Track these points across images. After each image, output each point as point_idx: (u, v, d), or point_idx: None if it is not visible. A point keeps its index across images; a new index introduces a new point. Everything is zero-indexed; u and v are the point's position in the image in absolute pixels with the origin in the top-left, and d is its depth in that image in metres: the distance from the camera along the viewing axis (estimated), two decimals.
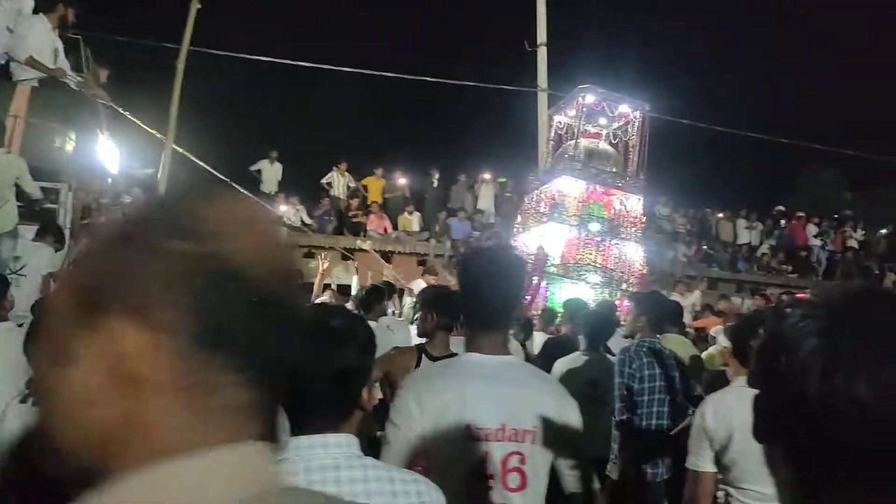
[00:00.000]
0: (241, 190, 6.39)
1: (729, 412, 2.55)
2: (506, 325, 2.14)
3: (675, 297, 9.64)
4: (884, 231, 19.89)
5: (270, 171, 15.66)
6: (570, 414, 2.08)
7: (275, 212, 13.38)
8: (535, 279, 9.47)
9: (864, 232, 19.39)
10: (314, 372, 1.43)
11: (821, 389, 0.80)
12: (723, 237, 18.72)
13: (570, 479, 2.11)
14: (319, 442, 1.44)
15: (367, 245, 12.07)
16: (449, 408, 1.93)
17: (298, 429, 1.45)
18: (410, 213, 16.12)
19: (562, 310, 6.86)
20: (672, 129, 15.73)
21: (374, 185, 16.44)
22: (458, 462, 1.91)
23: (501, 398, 1.96)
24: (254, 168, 15.60)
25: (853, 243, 18.76)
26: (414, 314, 6.00)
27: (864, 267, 17.98)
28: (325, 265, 7.15)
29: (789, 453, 0.88)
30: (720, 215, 19.23)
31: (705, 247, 18.14)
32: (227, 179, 9.75)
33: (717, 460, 2.60)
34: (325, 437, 1.45)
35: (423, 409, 1.93)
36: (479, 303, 2.07)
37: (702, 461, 2.63)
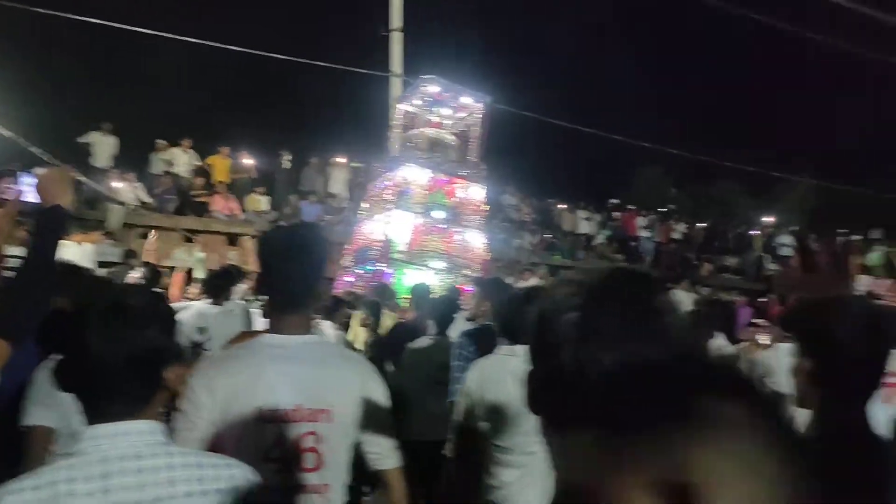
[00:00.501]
0: (57, 163, 5.91)
1: (483, 375, 2.80)
2: (306, 304, 2.09)
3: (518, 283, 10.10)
4: (702, 225, 21.91)
5: (103, 144, 14.51)
6: (374, 393, 2.10)
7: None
8: (380, 265, 9.55)
9: (686, 225, 21.25)
10: (109, 354, 1.37)
11: (575, 360, 0.87)
12: (564, 227, 19.79)
13: (373, 458, 2.16)
14: (120, 430, 1.37)
15: (250, 230, 11.55)
16: (241, 390, 1.89)
17: (95, 417, 1.38)
18: (259, 195, 15.63)
19: (408, 295, 6.98)
20: (519, 123, 16.42)
21: (220, 165, 15.76)
22: (248, 445, 1.88)
23: (299, 378, 1.95)
24: (82, 140, 14.38)
25: (676, 235, 20.50)
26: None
27: (684, 257, 19.72)
28: (153, 242, 6.80)
29: (554, 424, 0.92)
30: (562, 206, 20.32)
31: (548, 236, 19.11)
32: (38, 151, 8.92)
33: (484, 419, 2.81)
34: (125, 425, 1.38)
35: (214, 394, 1.88)
36: (277, 282, 2.04)
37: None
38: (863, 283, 17.76)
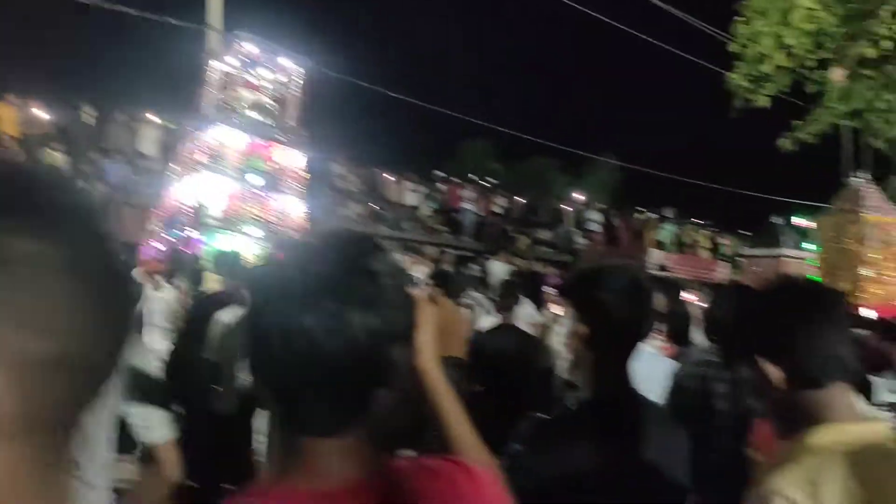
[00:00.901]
0: None
1: None
2: None
3: None
4: (521, 199, 23.02)
5: None
6: (141, 362, 2.08)
7: None
8: (191, 231, 8.97)
9: (506, 199, 22.19)
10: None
11: (279, 324, 0.83)
12: (391, 198, 19.86)
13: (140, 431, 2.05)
14: None
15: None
16: None
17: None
18: (55, 152, 14.02)
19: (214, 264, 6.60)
20: (347, 90, 16.11)
21: (6, 114, 13.93)
22: None
23: None
24: None
25: (497, 209, 21.36)
26: None
27: (504, 230, 20.62)
28: None
29: (269, 393, 0.89)
30: (389, 177, 20.36)
31: (374, 206, 19.09)
32: None
33: None
34: None
35: None
36: None
37: None
38: (655, 257, 19.71)
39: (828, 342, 1.31)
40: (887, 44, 4.90)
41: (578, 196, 26.14)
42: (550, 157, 33.53)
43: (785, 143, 6.27)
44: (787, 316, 1.35)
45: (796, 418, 1.33)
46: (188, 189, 9.95)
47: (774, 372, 1.33)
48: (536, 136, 23.82)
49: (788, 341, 1.32)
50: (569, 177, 34.26)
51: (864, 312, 10.69)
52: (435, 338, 1.22)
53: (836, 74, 5.28)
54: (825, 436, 1.27)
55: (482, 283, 11.55)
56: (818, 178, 16.87)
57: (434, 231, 19.55)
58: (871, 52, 4.97)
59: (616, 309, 1.70)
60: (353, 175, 19.30)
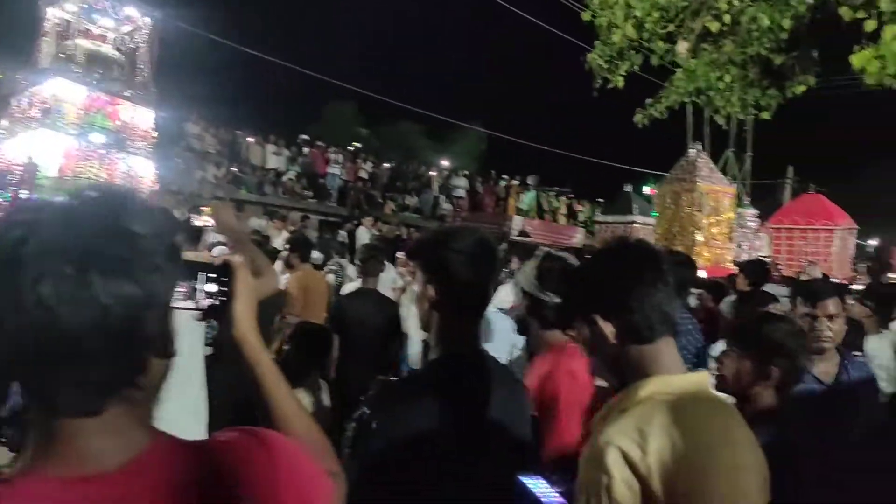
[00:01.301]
0: None
1: None
2: None
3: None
4: (387, 165, 22.92)
5: None
6: None
7: None
8: (23, 192, 8.16)
9: (372, 164, 22.00)
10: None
11: (11, 295, 0.74)
12: (252, 161, 19.09)
13: None
14: None
15: None
16: None
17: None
18: None
19: None
20: (206, 47, 15.20)
21: None
22: None
23: None
24: None
25: (363, 174, 21.13)
26: None
27: (370, 195, 20.48)
28: None
29: (13, 372, 0.81)
30: (251, 139, 19.54)
31: (235, 169, 18.28)
32: None
33: None
34: None
35: None
36: None
37: None
38: (517, 222, 20.38)
39: (656, 300, 1.38)
40: (728, 18, 5.24)
41: (444, 162, 26.44)
42: (417, 123, 33.59)
43: (639, 118, 6.63)
44: (619, 275, 1.41)
45: (627, 372, 1.40)
46: (20, 146, 9.01)
47: (608, 328, 1.40)
48: (403, 102, 23.78)
49: (621, 299, 1.38)
50: (435, 143, 34.49)
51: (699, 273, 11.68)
52: (252, 307, 1.16)
53: (681, 48, 5.60)
54: (652, 387, 1.35)
55: (349, 248, 11.44)
56: (668, 148, 18.09)
57: (298, 196, 19.06)
58: (713, 26, 5.30)
59: (462, 270, 1.70)
60: (210, 136, 18.34)
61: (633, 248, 1.49)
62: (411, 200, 21.92)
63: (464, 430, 1.61)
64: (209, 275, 1.14)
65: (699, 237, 16.10)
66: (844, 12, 4.49)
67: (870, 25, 4.22)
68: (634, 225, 20.05)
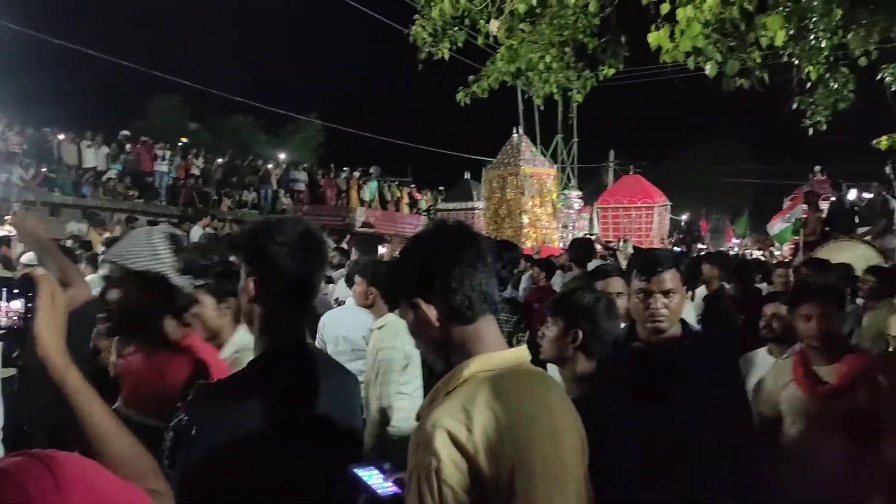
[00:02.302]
0: None
1: None
2: None
3: None
4: (221, 160, 21.89)
5: None
6: None
7: None
8: None
9: (204, 160, 20.90)
10: None
11: None
12: (66, 160, 17.48)
13: None
14: None
15: None
16: None
17: None
18: None
19: None
20: (8, 38, 13.64)
21: None
22: None
23: None
24: None
25: (195, 170, 20.02)
26: None
27: (204, 193, 19.46)
28: None
29: None
30: (63, 136, 17.87)
31: (45, 170, 16.65)
32: None
33: None
34: None
35: None
36: None
37: None
38: (360, 214, 20.31)
39: (476, 280, 1.39)
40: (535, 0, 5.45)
41: (282, 156, 25.72)
42: (251, 116, 32.36)
43: (461, 96, 6.68)
44: (438, 258, 1.41)
45: (452, 353, 1.41)
46: None
47: (431, 311, 1.39)
48: (234, 94, 22.79)
49: (442, 281, 1.38)
50: (271, 136, 33.42)
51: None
52: (56, 323, 1.09)
53: (493, 26, 5.76)
54: (475, 365, 1.36)
55: None
56: (505, 136, 18.62)
57: (122, 196, 17.71)
58: (521, 6, 5.48)
59: (285, 262, 1.64)
60: (14, 134, 16.55)
61: (452, 231, 1.49)
62: (249, 196, 21.11)
63: (290, 426, 1.56)
64: (12, 291, 1.08)
65: (525, 219, 16.74)
66: None
67: (664, 8, 4.57)
68: (476, 211, 20.68)
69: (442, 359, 1.44)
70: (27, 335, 1.08)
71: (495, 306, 1.45)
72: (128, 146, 19.02)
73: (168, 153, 19.24)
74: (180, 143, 21.24)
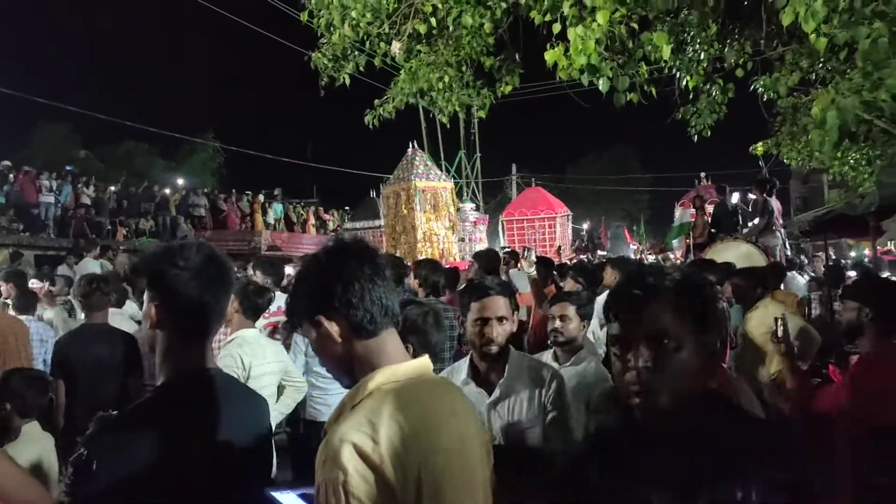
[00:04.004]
0: None
1: None
2: None
3: None
4: (114, 188, 20.89)
5: None
6: None
7: None
8: None
9: (95, 188, 19.88)
10: None
11: None
12: None
13: None
14: None
15: None
16: None
17: None
18: None
19: None
20: None
21: None
22: None
23: None
24: None
25: (86, 200, 19.00)
26: None
27: (96, 223, 18.50)
28: None
29: None
30: None
31: None
32: None
33: None
34: None
35: None
36: None
37: None
38: (266, 237, 19.87)
39: (376, 294, 1.42)
40: (434, 21, 5.58)
41: (180, 181, 24.84)
42: (144, 142, 31.07)
43: (369, 118, 6.74)
44: (338, 274, 1.42)
45: (356, 368, 1.42)
46: None
47: (333, 327, 1.40)
48: (125, 119, 21.89)
49: (342, 297, 1.40)
50: (168, 161, 32.19)
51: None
52: None
53: (394, 49, 5.84)
54: (380, 378, 1.38)
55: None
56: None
57: (5, 230, 16.57)
58: (422, 28, 5.61)
59: (188, 287, 1.62)
60: None
61: (349, 247, 1.50)
62: (146, 224, 20.22)
63: (194, 454, 1.53)
64: None
65: (419, 234, 16.70)
66: (534, 15, 5.04)
67: (556, 28, 4.78)
68: (382, 229, 20.63)
69: (347, 374, 1.45)
70: None
71: (397, 319, 1.49)
72: (10, 176, 17.84)
73: (55, 182, 18.17)
74: (67, 171, 20.05)
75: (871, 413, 2.77)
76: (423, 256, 15.31)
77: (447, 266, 7.02)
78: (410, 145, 17.49)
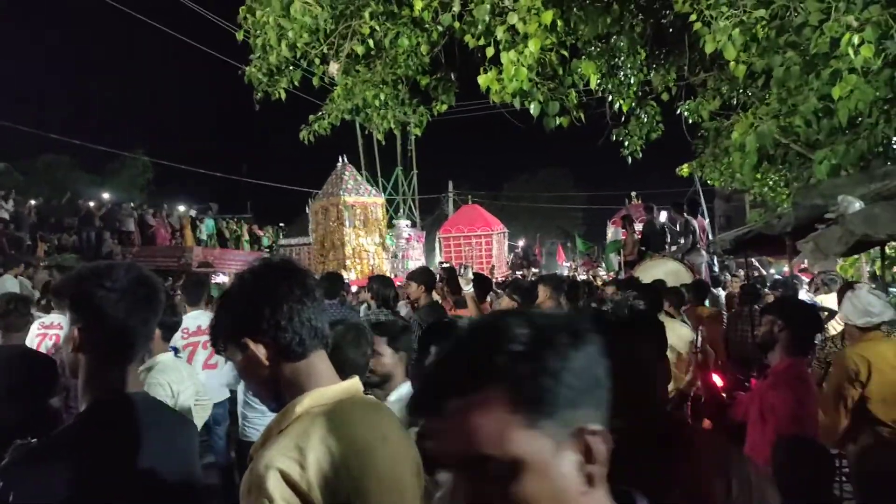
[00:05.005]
0: None
1: None
2: None
3: None
4: (34, 202, 19.99)
5: None
6: None
7: None
8: None
9: (15, 202, 18.99)
10: None
11: None
12: None
13: None
14: None
15: None
16: None
17: None
18: None
19: None
20: None
21: None
22: None
23: None
24: None
25: (4, 214, 18.10)
26: None
27: (16, 238, 17.64)
28: None
29: None
30: None
31: None
32: None
33: None
34: None
35: None
36: None
37: None
38: (197, 253, 19.33)
39: (305, 315, 1.39)
40: (371, 42, 5.63)
41: (106, 195, 23.96)
42: (69, 155, 29.86)
43: (304, 134, 6.72)
44: (266, 296, 1.39)
45: (284, 391, 1.39)
46: None
47: (260, 350, 1.38)
48: (46, 131, 21.04)
49: (270, 319, 1.37)
50: (93, 175, 30.99)
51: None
52: None
53: (332, 68, 5.86)
54: (308, 401, 1.36)
55: None
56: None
57: None
58: (360, 49, 5.64)
59: (113, 309, 1.56)
60: None
61: (277, 268, 1.48)
62: (68, 240, 19.38)
63: (114, 482, 1.47)
64: None
65: (348, 249, 16.39)
66: (468, 39, 5.15)
67: (489, 52, 4.89)
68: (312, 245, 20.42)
69: (273, 398, 1.42)
70: None
71: (326, 340, 1.46)
72: None
73: None
74: None
75: (778, 421, 2.94)
76: (353, 273, 15.11)
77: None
78: (340, 159, 17.24)
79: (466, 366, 0.75)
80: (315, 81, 6.23)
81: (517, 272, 19.19)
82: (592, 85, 5.26)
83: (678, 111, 7.50)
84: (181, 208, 23.12)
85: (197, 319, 5.25)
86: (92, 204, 21.23)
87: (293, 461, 1.25)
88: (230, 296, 1.46)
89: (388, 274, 16.28)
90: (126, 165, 32.26)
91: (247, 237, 24.96)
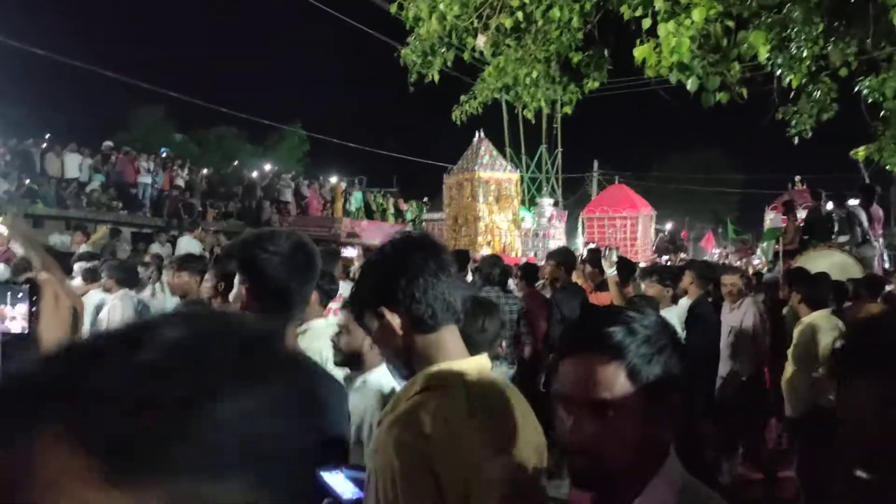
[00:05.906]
0: None
1: None
2: None
3: None
4: (205, 171, 21.81)
5: None
6: None
7: None
8: None
9: (189, 171, 20.81)
10: None
11: None
12: (49, 172, 17.33)
13: None
14: None
15: None
16: None
17: None
18: None
19: None
20: None
21: None
22: None
23: None
24: None
25: (180, 182, 19.91)
26: None
27: (189, 204, 19.36)
28: None
29: None
30: (45, 147, 17.74)
31: (28, 181, 16.52)
32: None
33: None
34: None
35: None
36: None
37: None
38: (346, 224, 20.30)
39: (439, 290, 1.43)
40: (521, 14, 5.54)
41: (267, 166, 25.69)
42: (235, 127, 32.31)
43: (456, 114, 6.81)
44: (403, 268, 1.44)
45: (415, 361, 1.44)
46: None
47: (395, 320, 1.43)
48: (218, 105, 22.75)
49: (406, 291, 1.41)
50: (256, 147, 33.36)
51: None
52: (59, 326, 1.10)
53: (480, 42, 5.85)
54: (435, 372, 1.40)
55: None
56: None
57: (106, 207, 17.57)
58: (508, 22, 5.58)
59: (275, 270, 1.72)
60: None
61: (416, 242, 1.52)
62: (234, 207, 21.03)
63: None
64: (16, 295, 1.10)
65: (481, 226, 16.12)
66: (624, 10, 4.94)
67: (646, 23, 4.66)
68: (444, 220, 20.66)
69: (405, 366, 1.47)
70: (31, 339, 1.08)
71: (458, 315, 1.48)
72: (112, 157, 18.89)
73: (152, 164, 19.13)
74: (163, 154, 21.08)
75: None
76: (485, 249, 14.99)
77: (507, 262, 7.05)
78: (477, 134, 16.96)
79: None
80: (466, 56, 6.27)
81: (663, 256, 18.42)
82: (761, 58, 4.86)
83: (856, 88, 6.81)
84: (333, 180, 24.29)
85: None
86: (255, 174, 22.85)
87: (417, 430, 1.29)
88: (371, 265, 1.53)
89: (518, 252, 16.06)
90: (285, 138, 34.42)
91: (392, 210, 25.83)
